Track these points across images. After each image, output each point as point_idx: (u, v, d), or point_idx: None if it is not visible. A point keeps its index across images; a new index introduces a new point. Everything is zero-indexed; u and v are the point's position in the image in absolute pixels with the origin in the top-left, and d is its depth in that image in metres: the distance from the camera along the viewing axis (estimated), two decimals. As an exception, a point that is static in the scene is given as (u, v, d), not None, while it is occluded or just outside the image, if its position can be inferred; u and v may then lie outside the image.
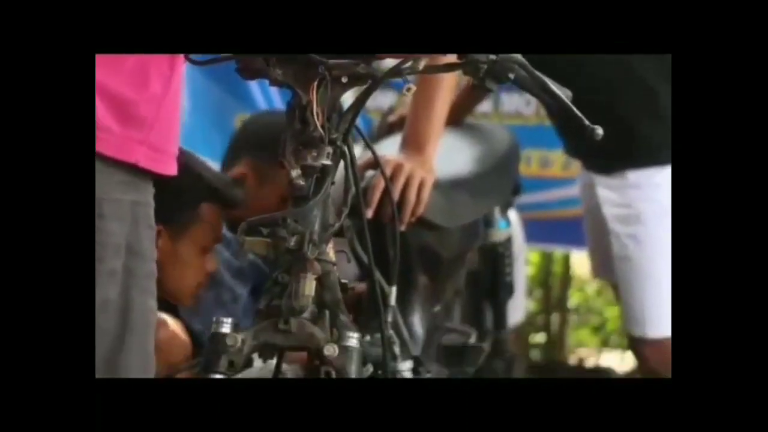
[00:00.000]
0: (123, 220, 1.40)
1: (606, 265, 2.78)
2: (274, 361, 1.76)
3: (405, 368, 1.97)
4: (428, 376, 1.99)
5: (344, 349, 1.49)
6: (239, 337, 1.49)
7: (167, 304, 2.11)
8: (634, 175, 2.60)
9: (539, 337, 6.16)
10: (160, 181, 1.47)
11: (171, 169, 1.47)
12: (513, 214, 3.98)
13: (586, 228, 2.91)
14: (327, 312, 1.57)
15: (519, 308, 4.50)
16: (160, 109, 1.43)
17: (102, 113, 1.35)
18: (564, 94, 1.55)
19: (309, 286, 1.50)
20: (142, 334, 1.42)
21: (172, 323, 2.06)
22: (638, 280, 2.62)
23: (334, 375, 1.48)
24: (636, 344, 2.71)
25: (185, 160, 1.59)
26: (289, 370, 1.90)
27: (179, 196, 1.96)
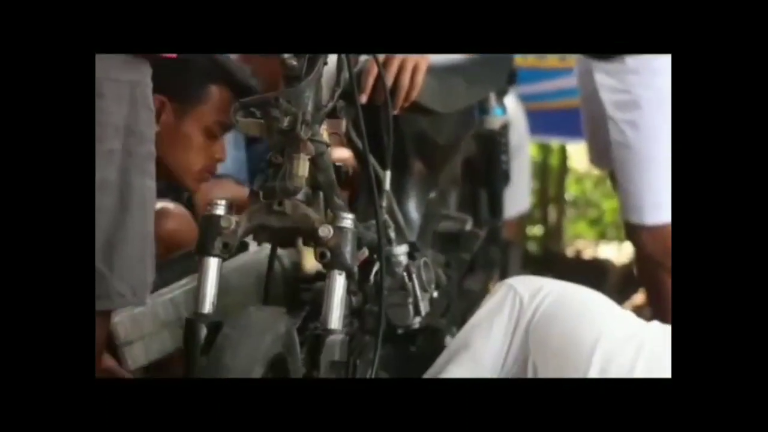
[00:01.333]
0: (122, 100, 1.39)
1: (603, 153, 2.75)
2: (268, 246, 1.76)
3: (400, 252, 1.97)
4: (424, 260, 1.99)
5: (339, 230, 1.48)
6: (233, 218, 1.49)
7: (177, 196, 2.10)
8: (633, 61, 2.56)
9: (536, 230, 6.18)
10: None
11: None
12: (515, 105, 3.95)
13: (584, 115, 2.88)
14: (321, 193, 1.56)
15: (524, 198, 4.51)
16: None
17: None
18: None
19: (302, 167, 1.49)
20: (140, 213, 1.42)
21: (181, 213, 2.04)
22: (636, 167, 2.60)
23: (329, 256, 1.48)
24: (633, 231, 2.70)
25: None
26: (285, 255, 1.90)
27: (190, 72, 1.94)
